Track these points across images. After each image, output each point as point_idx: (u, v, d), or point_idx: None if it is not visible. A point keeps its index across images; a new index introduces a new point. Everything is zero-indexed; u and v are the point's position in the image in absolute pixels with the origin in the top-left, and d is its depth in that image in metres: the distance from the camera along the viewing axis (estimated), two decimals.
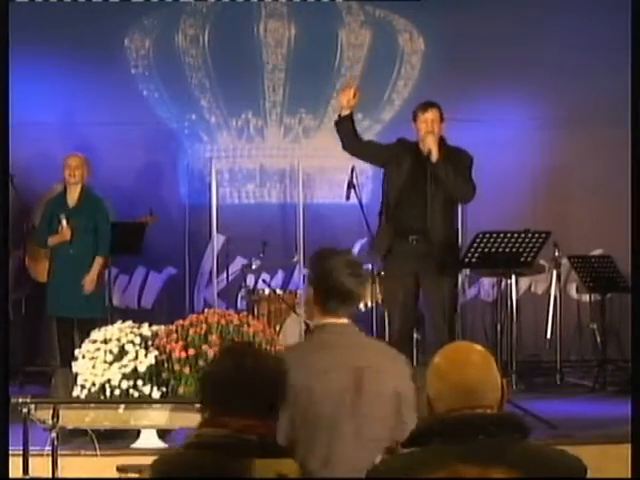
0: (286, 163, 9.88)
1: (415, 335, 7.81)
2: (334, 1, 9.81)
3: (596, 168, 9.65)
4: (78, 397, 6.02)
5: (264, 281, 9.32)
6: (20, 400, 5.00)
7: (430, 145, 6.78)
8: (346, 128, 6.88)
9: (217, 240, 9.58)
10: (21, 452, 5.01)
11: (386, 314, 7.11)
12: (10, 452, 4.65)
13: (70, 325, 8.12)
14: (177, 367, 5.90)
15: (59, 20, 9.35)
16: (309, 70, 9.70)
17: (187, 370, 5.87)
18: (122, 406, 5.90)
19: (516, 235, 7.15)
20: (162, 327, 6.21)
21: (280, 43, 9.78)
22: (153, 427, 5.97)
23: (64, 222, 8.05)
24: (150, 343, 6.08)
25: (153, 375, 5.95)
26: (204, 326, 6.05)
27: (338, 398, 3.39)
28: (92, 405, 5.91)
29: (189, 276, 9.70)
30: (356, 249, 9.49)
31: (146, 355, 5.98)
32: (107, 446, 5.75)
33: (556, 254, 8.94)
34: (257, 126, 9.85)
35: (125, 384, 5.93)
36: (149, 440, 5.95)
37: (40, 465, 5.16)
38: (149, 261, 9.60)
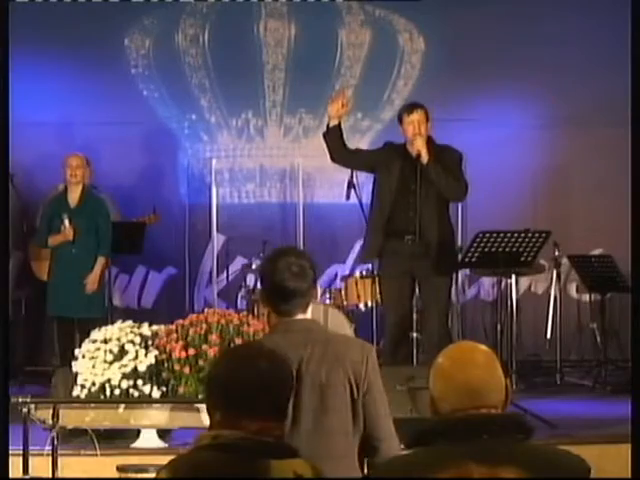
0: (286, 163, 9.88)
1: (415, 335, 7.82)
2: (334, 1, 9.81)
3: (596, 168, 9.64)
4: (78, 397, 6.02)
5: None
6: (20, 400, 5.00)
7: (419, 147, 6.79)
8: (334, 138, 6.87)
9: (217, 240, 9.58)
10: (21, 452, 5.01)
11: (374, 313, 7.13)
12: (10, 452, 4.64)
13: (70, 325, 8.12)
14: (177, 367, 5.90)
15: (59, 20, 9.35)
16: (309, 70, 9.69)
17: (187, 370, 5.87)
18: (122, 406, 5.90)
19: (516, 235, 7.15)
20: (162, 327, 6.21)
21: (280, 43, 9.78)
22: (153, 427, 5.97)
23: (67, 222, 8.05)
24: (150, 343, 6.08)
25: (153, 375, 5.95)
26: (204, 326, 6.05)
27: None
28: (92, 405, 5.91)
29: (189, 276, 9.71)
30: (356, 249, 9.50)
31: (146, 355, 5.98)
32: (107, 446, 5.75)
33: (556, 254, 8.94)
34: (257, 126, 9.85)
35: (125, 384, 5.93)
36: (149, 440, 5.95)
37: (40, 465, 5.16)
38: (149, 261, 9.60)
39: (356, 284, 8.48)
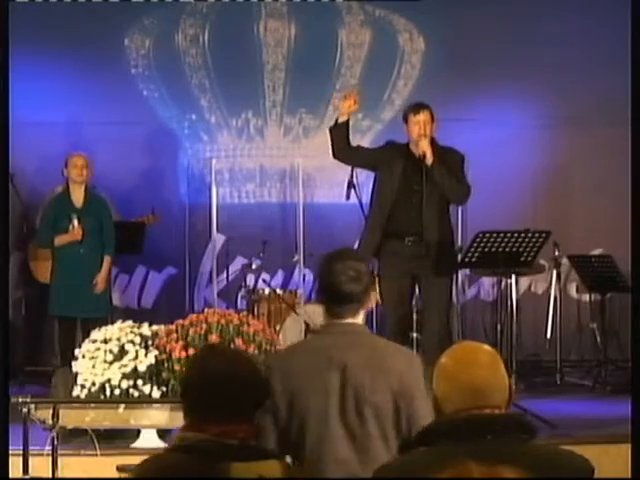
0: (286, 163, 9.88)
1: (415, 335, 7.82)
2: (334, 1, 9.81)
3: (596, 168, 9.64)
4: (78, 397, 6.02)
5: (264, 281, 9.31)
6: (20, 400, 5.00)
7: (424, 148, 6.77)
8: (341, 134, 6.86)
9: (217, 240, 9.58)
10: (21, 452, 5.01)
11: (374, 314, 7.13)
12: (10, 452, 4.64)
13: (72, 324, 8.12)
14: (177, 367, 5.90)
15: (59, 20, 9.35)
16: (309, 70, 9.69)
17: None
18: (122, 406, 5.91)
19: (516, 235, 7.15)
20: (162, 327, 6.21)
21: (280, 43, 9.78)
22: (153, 427, 5.97)
23: (75, 222, 8.05)
24: (150, 343, 6.08)
25: (153, 375, 5.95)
26: (204, 326, 6.05)
27: (326, 397, 3.41)
28: (92, 405, 5.91)
29: (189, 276, 9.70)
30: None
31: (146, 355, 5.98)
32: (107, 446, 5.75)
33: (556, 254, 8.94)
34: (257, 126, 9.85)
35: (125, 384, 5.93)
36: (149, 440, 5.95)
37: (40, 465, 5.17)
38: (149, 261, 9.60)
39: None
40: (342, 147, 6.90)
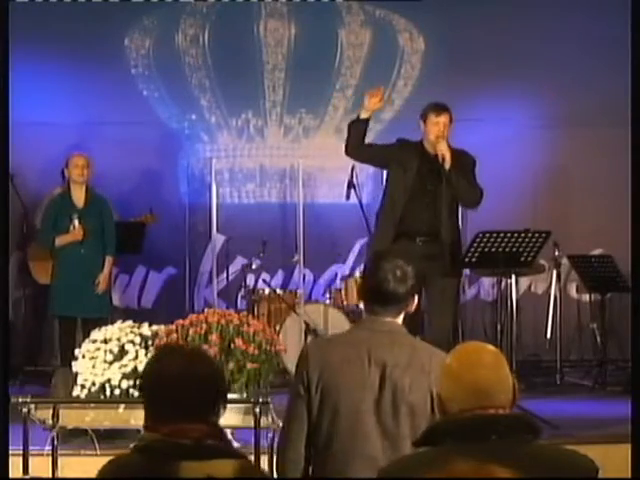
0: (286, 163, 9.88)
1: (416, 337, 7.81)
2: (334, 1, 9.81)
3: (596, 168, 9.65)
4: (78, 397, 6.02)
5: (264, 281, 9.32)
6: (20, 400, 5.00)
7: (443, 151, 6.74)
8: (359, 131, 6.78)
9: (217, 240, 9.57)
10: (21, 452, 5.01)
11: None
12: (10, 452, 4.64)
13: (73, 324, 8.12)
14: None
15: (59, 20, 9.35)
16: (309, 70, 9.69)
17: None
18: (122, 406, 5.89)
19: (516, 235, 7.14)
20: (162, 327, 6.21)
21: (280, 43, 9.78)
22: None
23: (76, 222, 8.05)
24: (150, 343, 6.08)
25: None
26: (204, 326, 6.05)
27: (362, 393, 3.42)
28: (92, 405, 5.90)
29: (189, 276, 9.71)
30: (356, 249, 9.51)
31: (146, 355, 5.98)
32: (107, 446, 5.75)
33: (556, 254, 8.94)
34: (257, 126, 9.85)
35: (125, 384, 5.93)
36: None
37: (40, 465, 5.16)
38: (149, 261, 9.60)
39: (356, 284, 8.48)
40: (356, 144, 6.82)
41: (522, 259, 7.21)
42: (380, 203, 7.03)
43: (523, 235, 7.16)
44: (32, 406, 5.03)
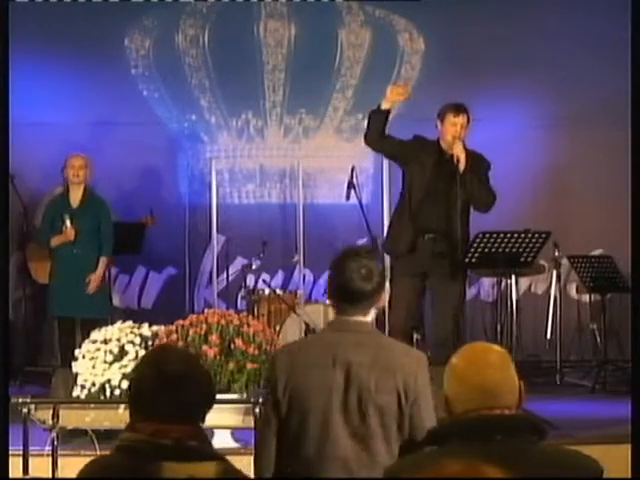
0: (286, 163, 9.87)
1: (415, 335, 7.81)
2: (334, 1, 9.81)
3: (596, 168, 9.64)
4: (78, 397, 6.02)
5: (264, 281, 9.32)
6: (20, 400, 5.00)
7: (458, 153, 6.75)
8: (379, 121, 6.77)
9: (217, 240, 9.58)
10: (21, 452, 5.01)
11: (387, 311, 7.09)
12: (10, 452, 4.64)
13: (71, 325, 8.12)
14: None
15: (59, 20, 9.35)
16: (309, 70, 9.69)
17: None
18: (122, 406, 5.89)
19: (516, 235, 7.14)
20: (162, 327, 6.21)
21: (280, 43, 9.77)
22: None
23: (68, 222, 8.05)
24: (150, 343, 6.08)
25: None
26: (204, 326, 6.05)
27: (329, 395, 3.41)
28: (92, 405, 5.91)
29: (189, 276, 9.70)
30: None
31: None
32: (107, 446, 5.72)
33: (556, 254, 8.94)
34: (257, 126, 9.85)
35: (125, 384, 5.92)
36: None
37: (40, 465, 5.16)
38: (149, 261, 9.60)
39: None
40: (376, 134, 6.81)
41: (522, 259, 7.20)
42: (399, 199, 7.04)
43: (523, 235, 7.16)
44: (32, 406, 5.04)
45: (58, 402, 5.49)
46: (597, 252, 9.39)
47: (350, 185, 7.67)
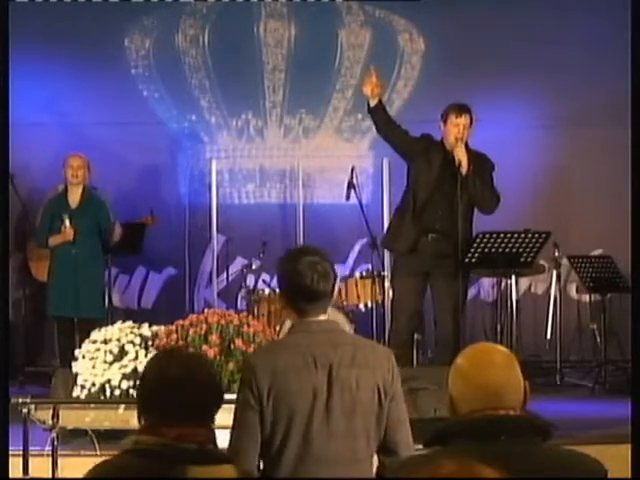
0: (286, 163, 9.87)
1: (415, 335, 7.81)
2: (334, 1, 9.81)
3: (596, 168, 9.64)
4: (78, 397, 6.02)
5: (264, 281, 9.31)
6: (20, 400, 5.00)
7: (460, 157, 6.76)
8: (379, 115, 6.89)
9: (217, 240, 9.58)
10: (21, 452, 5.01)
11: (389, 311, 7.10)
12: (10, 452, 4.64)
13: (70, 325, 8.13)
14: None
15: (59, 20, 9.35)
16: (309, 70, 9.69)
17: None
18: (122, 406, 5.90)
19: (516, 235, 7.15)
20: (162, 327, 6.22)
21: (280, 43, 9.77)
22: None
23: (67, 222, 8.05)
24: (150, 343, 6.08)
25: None
26: (204, 326, 6.05)
27: (313, 397, 3.40)
28: (92, 405, 5.91)
29: (189, 276, 9.70)
30: (356, 249, 9.50)
31: (146, 355, 5.98)
32: (107, 446, 5.74)
33: (556, 254, 8.94)
34: (257, 126, 9.85)
35: (125, 384, 5.93)
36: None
37: (40, 465, 5.16)
38: (149, 261, 9.60)
39: (356, 284, 8.47)
40: (385, 125, 6.93)
41: (522, 259, 7.21)
42: (402, 196, 7.04)
43: (523, 235, 7.16)
44: (32, 406, 5.03)
45: (58, 402, 5.49)
46: (597, 252, 9.39)
47: (350, 185, 7.67)
